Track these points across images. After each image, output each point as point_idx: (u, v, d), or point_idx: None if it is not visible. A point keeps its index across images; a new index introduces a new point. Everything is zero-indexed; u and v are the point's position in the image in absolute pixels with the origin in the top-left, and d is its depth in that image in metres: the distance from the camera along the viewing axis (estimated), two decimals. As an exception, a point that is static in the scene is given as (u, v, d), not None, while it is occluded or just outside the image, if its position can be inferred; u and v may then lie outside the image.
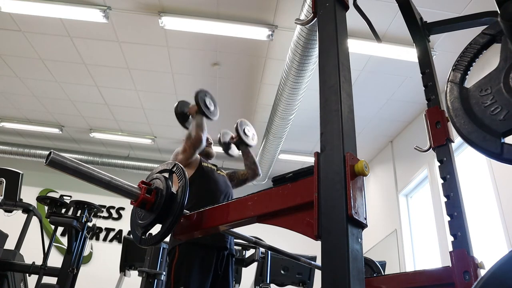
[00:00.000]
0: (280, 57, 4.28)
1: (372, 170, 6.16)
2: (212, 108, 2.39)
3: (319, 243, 0.82)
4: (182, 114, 2.46)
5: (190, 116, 2.43)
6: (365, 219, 0.83)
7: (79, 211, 3.06)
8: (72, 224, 2.96)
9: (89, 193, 4.71)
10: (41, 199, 3.14)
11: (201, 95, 2.35)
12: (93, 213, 3.18)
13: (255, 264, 3.11)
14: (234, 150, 2.71)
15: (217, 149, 2.60)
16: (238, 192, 2.37)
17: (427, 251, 4.67)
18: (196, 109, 2.33)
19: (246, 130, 2.64)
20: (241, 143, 2.63)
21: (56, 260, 3.48)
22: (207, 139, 2.49)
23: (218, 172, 2.40)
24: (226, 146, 2.68)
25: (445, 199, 1.36)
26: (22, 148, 6.67)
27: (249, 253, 3.15)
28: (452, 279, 1.21)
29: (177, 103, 2.50)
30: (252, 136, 2.67)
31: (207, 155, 2.47)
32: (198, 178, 2.24)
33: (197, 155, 2.35)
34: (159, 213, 1.13)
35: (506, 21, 0.86)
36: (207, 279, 1.99)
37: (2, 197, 3.01)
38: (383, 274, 2.51)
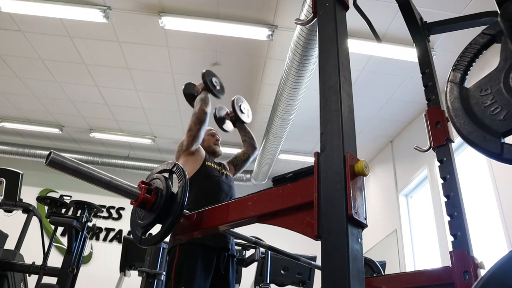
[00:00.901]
0: (280, 57, 4.28)
1: (372, 170, 6.16)
2: (218, 86, 2.42)
3: (319, 243, 0.82)
4: (190, 95, 2.49)
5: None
6: (365, 219, 0.83)
7: (79, 211, 3.06)
8: (72, 224, 2.96)
9: (89, 193, 4.71)
10: (41, 199, 3.14)
11: (208, 74, 2.40)
12: (93, 213, 3.17)
13: (255, 264, 3.11)
14: (229, 126, 2.71)
15: (225, 150, 2.60)
16: (238, 193, 2.38)
17: (427, 251, 4.67)
18: (203, 87, 2.36)
19: (242, 107, 2.67)
20: (237, 120, 2.67)
21: (56, 260, 3.48)
22: (215, 135, 2.50)
23: (223, 171, 2.35)
24: (220, 121, 2.70)
25: (445, 199, 1.36)
26: (22, 148, 6.68)
27: (249, 253, 3.15)
28: (452, 279, 1.21)
29: (184, 84, 2.53)
30: (247, 113, 2.71)
31: (213, 153, 2.42)
32: (200, 177, 2.20)
33: (202, 151, 2.33)
34: (159, 213, 1.13)
35: (506, 21, 0.86)
36: (207, 279, 1.97)
37: (2, 197, 3.01)
38: (383, 274, 2.51)
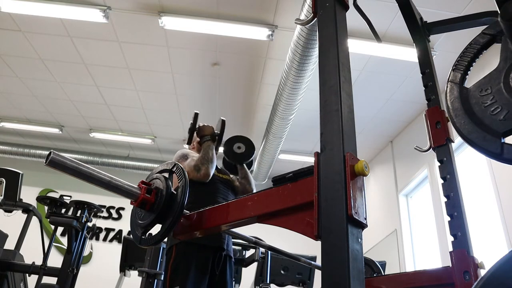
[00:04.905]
0: (280, 57, 4.27)
1: (372, 170, 6.16)
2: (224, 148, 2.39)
3: (319, 243, 0.82)
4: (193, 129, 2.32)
5: (195, 133, 2.33)
6: (365, 219, 0.83)
7: (79, 211, 3.06)
8: (72, 224, 2.96)
9: (89, 193, 4.71)
10: (41, 199, 3.14)
11: (223, 124, 2.31)
12: (93, 213, 3.17)
13: (255, 264, 3.11)
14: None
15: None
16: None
17: (427, 251, 4.67)
18: (211, 133, 2.28)
19: (236, 147, 2.50)
20: (235, 161, 2.50)
21: (56, 260, 3.48)
22: None
23: (219, 175, 2.36)
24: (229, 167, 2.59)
25: (445, 199, 1.36)
26: (22, 148, 6.67)
27: (249, 253, 3.15)
28: (452, 279, 1.21)
29: (195, 114, 2.35)
30: (244, 150, 2.51)
31: None
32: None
33: (196, 154, 2.33)
34: (159, 213, 1.13)
35: (506, 21, 0.86)
36: (203, 279, 1.98)
37: (2, 197, 3.01)
38: (383, 274, 2.51)
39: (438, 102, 1.52)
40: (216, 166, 2.41)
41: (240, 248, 3.09)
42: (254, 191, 2.31)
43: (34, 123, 6.30)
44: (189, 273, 1.93)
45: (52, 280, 2.90)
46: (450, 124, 1.42)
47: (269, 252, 2.82)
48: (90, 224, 3.20)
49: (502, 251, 3.31)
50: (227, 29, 3.95)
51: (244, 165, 2.49)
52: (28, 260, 3.11)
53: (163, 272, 2.02)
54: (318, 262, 0.95)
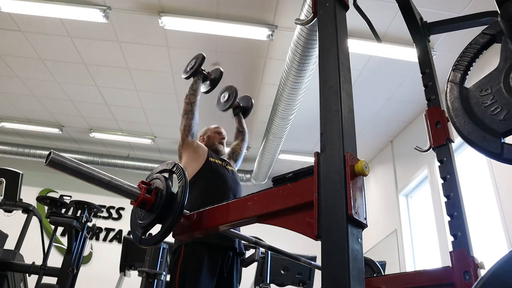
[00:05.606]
0: (280, 57, 4.27)
1: (372, 170, 6.16)
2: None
3: (319, 243, 0.82)
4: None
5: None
6: (365, 219, 0.83)
7: (79, 211, 3.06)
8: (72, 224, 2.96)
9: (89, 193, 4.71)
10: (41, 199, 3.14)
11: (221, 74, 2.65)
12: (93, 213, 3.17)
13: (255, 264, 3.11)
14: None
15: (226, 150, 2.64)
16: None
17: (427, 251, 4.67)
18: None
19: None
20: (239, 110, 2.93)
21: (56, 260, 3.48)
22: (221, 133, 2.56)
23: (228, 167, 2.35)
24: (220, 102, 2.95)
25: (445, 199, 1.36)
26: (22, 148, 6.68)
27: (249, 253, 3.14)
28: (452, 279, 1.21)
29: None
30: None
31: (216, 151, 2.44)
32: (206, 173, 2.19)
33: (204, 147, 2.34)
34: (159, 213, 1.13)
35: (506, 21, 0.86)
36: (212, 280, 1.95)
37: (2, 197, 3.01)
38: (383, 274, 2.51)
39: (438, 102, 1.52)
40: (222, 159, 2.42)
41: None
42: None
43: (34, 123, 6.30)
44: (199, 276, 1.88)
45: (52, 280, 2.90)
46: (450, 124, 1.42)
47: (269, 252, 2.82)
48: (90, 224, 3.20)
49: (502, 251, 3.31)
50: (227, 29, 3.95)
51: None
52: (28, 260, 3.11)
53: (171, 273, 1.98)
54: (318, 262, 0.95)
